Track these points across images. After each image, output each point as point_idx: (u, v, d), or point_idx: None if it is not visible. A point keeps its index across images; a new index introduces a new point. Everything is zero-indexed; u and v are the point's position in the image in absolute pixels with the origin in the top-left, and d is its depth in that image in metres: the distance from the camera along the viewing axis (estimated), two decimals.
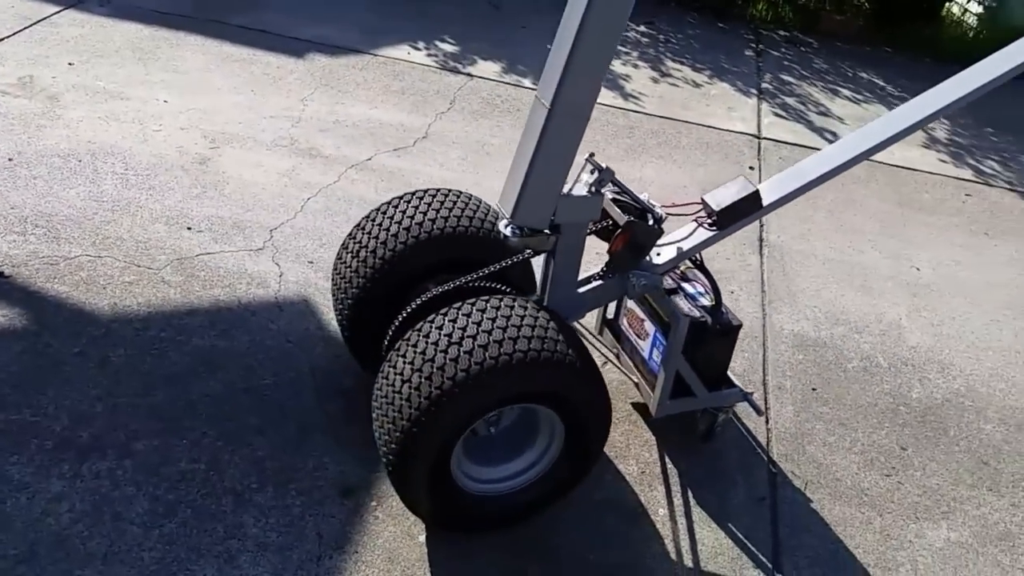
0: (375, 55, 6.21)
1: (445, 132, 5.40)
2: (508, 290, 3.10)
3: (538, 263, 3.11)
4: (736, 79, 6.72)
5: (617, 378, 3.67)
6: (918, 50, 7.70)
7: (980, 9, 8.28)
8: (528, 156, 2.75)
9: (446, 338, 2.65)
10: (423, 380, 2.61)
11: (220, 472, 3.04)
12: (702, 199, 3.21)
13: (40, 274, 3.74)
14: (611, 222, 3.08)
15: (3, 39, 5.57)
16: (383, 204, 3.27)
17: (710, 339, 3.26)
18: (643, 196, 3.14)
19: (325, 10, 6.76)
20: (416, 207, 3.18)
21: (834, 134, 6.16)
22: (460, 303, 2.77)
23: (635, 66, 6.68)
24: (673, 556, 3.06)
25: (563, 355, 2.68)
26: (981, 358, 4.26)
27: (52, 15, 5.98)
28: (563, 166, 2.81)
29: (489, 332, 2.64)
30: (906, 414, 3.85)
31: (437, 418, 2.59)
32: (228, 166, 4.71)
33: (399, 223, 3.14)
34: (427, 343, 2.67)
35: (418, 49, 6.41)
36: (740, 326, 3.32)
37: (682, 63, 6.84)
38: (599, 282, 3.15)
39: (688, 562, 3.05)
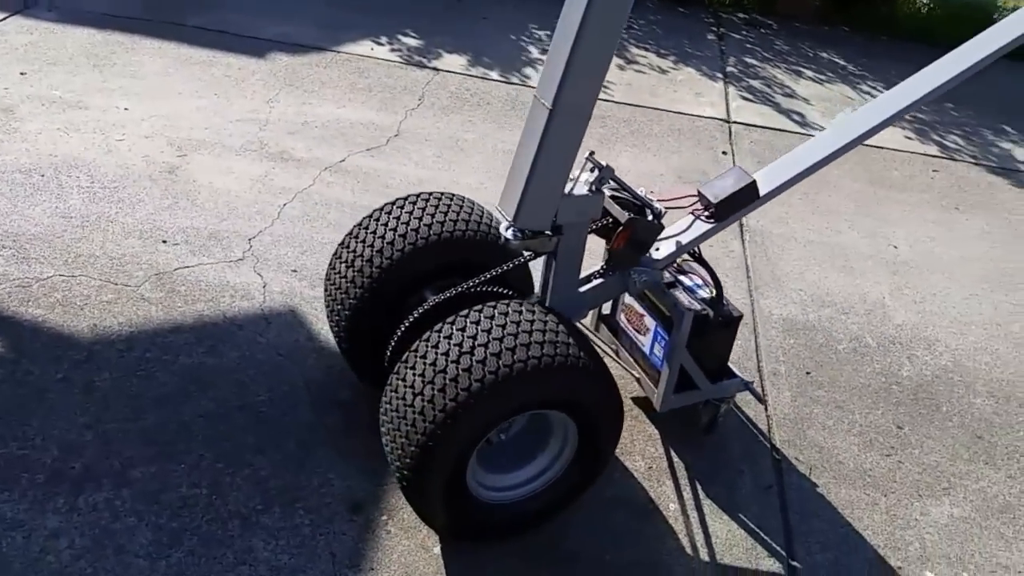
0: (338, 52, 6.08)
1: (417, 129, 5.31)
2: (510, 293, 3.05)
3: (535, 263, 3.06)
4: (701, 63, 6.72)
5: (616, 373, 3.64)
6: (874, 29, 7.78)
7: None
8: (530, 158, 2.69)
9: (457, 348, 2.59)
10: (436, 392, 2.55)
11: (223, 496, 2.95)
12: (698, 191, 3.19)
13: (12, 298, 3.59)
14: (611, 220, 3.04)
15: None
16: (375, 211, 3.18)
17: (712, 331, 3.24)
18: (640, 191, 3.11)
19: (282, 7, 6.60)
20: (410, 212, 3.10)
21: (801, 115, 6.20)
22: (467, 311, 2.70)
23: None
24: (689, 551, 3.05)
25: (576, 358, 2.64)
26: (965, 333, 4.32)
27: None
28: (565, 167, 2.76)
29: (500, 340, 2.59)
30: (899, 393, 3.89)
31: (453, 431, 2.54)
32: (198, 174, 4.57)
33: (394, 230, 3.06)
34: (437, 354, 2.61)
35: (381, 44, 6.30)
36: (741, 317, 3.31)
37: (646, 49, 6.83)
38: (600, 280, 3.11)
39: (704, 556, 3.04)
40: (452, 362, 2.57)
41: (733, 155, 5.57)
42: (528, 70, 6.22)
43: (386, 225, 3.09)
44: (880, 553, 3.14)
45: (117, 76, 5.32)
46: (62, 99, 5.01)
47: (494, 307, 2.70)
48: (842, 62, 7.19)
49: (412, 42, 6.41)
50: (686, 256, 3.36)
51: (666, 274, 3.27)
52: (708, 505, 3.22)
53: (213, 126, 4.99)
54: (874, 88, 6.81)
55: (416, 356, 2.66)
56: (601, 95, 6.05)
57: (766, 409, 3.66)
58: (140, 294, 3.72)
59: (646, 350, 3.35)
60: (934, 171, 5.81)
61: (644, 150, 5.44)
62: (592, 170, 2.90)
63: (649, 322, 3.32)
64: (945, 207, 5.41)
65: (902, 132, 6.23)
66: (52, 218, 4.07)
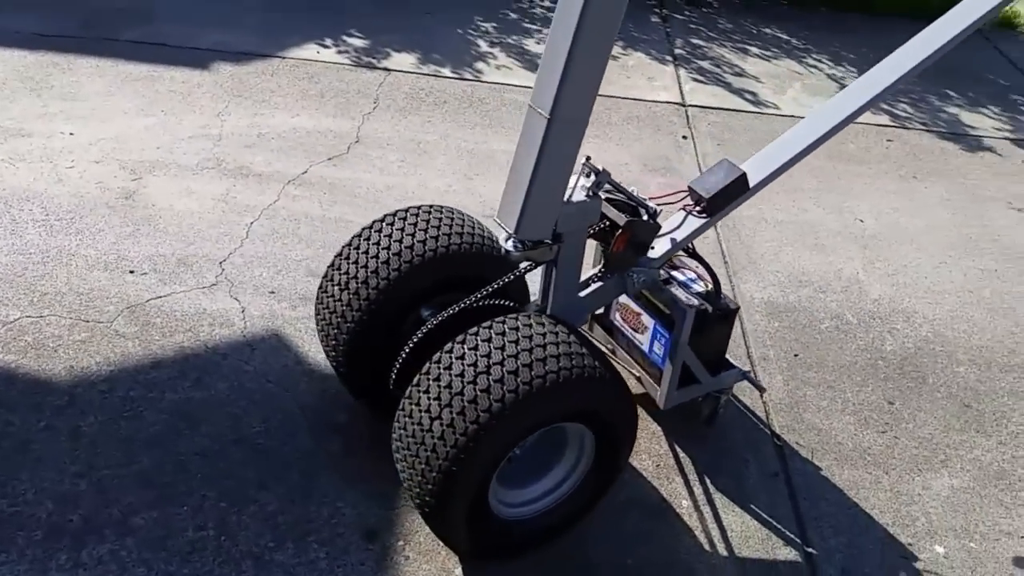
0: (283, 58, 5.91)
1: (376, 134, 5.20)
2: (513, 306, 2.99)
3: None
4: (649, 47, 6.72)
5: None
6: (812, 1, 7.88)
7: None
8: (529, 169, 2.64)
9: (472, 368, 2.53)
10: (456, 416, 2.49)
11: (231, 536, 2.84)
12: (689, 187, 3.17)
13: None
14: (608, 223, 3.00)
15: None
16: (363, 229, 3.09)
17: (711, 325, 3.24)
18: (632, 191, 3.08)
19: (218, 15, 6.39)
20: (402, 229, 3.02)
21: (754, 94, 6.24)
22: (475, 328, 2.64)
23: None
24: (707, 547, 3.05)
25: (593, 368, 2.60)
26: (939, 302, 4.41)
27: None
28: (565, 175, 2.71)
29: (516, 356, 2.53)
30: (885, 368, 3.95)
31: (476, 453, 2.48)
32: (156, 197, 4.39)
33: (387, 248, 2.98)
34: (452, 375, 2.54)
35: (327, 47, 6.14)
36: (738, 308, 3.31)
37: None
38: (599, 284, 3.08)
39: (723, 551, 3.04)
40: (469, 383, 2.51)
41: (693, 139, 5.59)
42: (480, 65, 6.13)
43: (378, 244, 3.01)
44: (890, 531, 3.19)
45: (57, 99, 5.08)
46: (1, 128, 4.76)
47: (503, 322, 2.65)
48: (785, 36, 7.27)
49: (358, 42, 6.26)
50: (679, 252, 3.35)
51: (660, 271, 3.26)
52: (719, 498, 3.23)
53: (165, 145, 4.81)
54: (819, 61, 6.90)
55: (429, 379, 2.59)
56: None
57: (761, 396, 3.68)
58: (114, 330, 3.56)
59: (645, 348, 3.34)
60: (888, 141, 5.92)
61: (606, 140, 5.41)
62: (588, 175, 2.86)
63: (647, 320, 3.30)
64: (903, 176, 5.51)
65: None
66: (9, 256, 3.87)
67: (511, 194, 2.73)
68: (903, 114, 6.22)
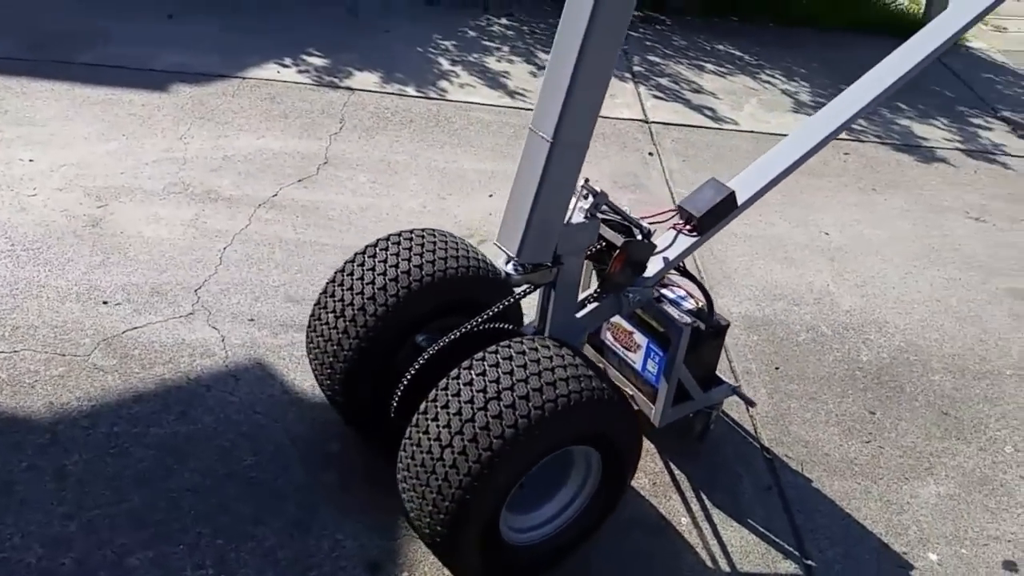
0: (243, 78, 5.81)
1: (345, 154, 5.14)
2: (513, 329, 2.98)
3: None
4: None
5: None
6: (761, 16, 8.06)
7: None
8: (531, 192, 2.63)
9: (482, 395, 2.51)
10: (468, 443, 2.46)
11: (231, 573, 2.76)
12: (679, 206, 3.20)
13: None
14: (603, 244, 3.00)
15: None
16: (356, 255, 3.04)
17: (703, 342, 3.27)
18: (627, 210, 3.09)
19: (174, 36, 6.26)
20: (396, 255, 2.98)
21: (713, 110, 6.34)
22: (481, 354, 2.62)
23: (510, 61, 6.60)
24: (709, 564, 3.06)
25: (600, 390, 2.60)
26: (909, 312, 4.52)
27: None
28: (566, 198, 2.71)
29: (525, 381, 2.52)
30: (863, 378, 4.03)
31: (490, 480, 2.45)
32: (124, 224, 4.27)
33: (383, 274, 2.94)
34: (461, 402, 2.51)
35: (286, 66, 6.06)
36: (728, 325, 3.35)
37: None
38: (595, 304, 3.08)
39: (724, 566, 3.06)
40: (479, 409, 2.49)
41: (659, 155, 5.65)
42: (443, 83, 6.12)
43: (373, 270, 2.96)
44: (884, 541, 3.24)
45: (12, 124, 4.91)
46: None
47: (509, 347, 2.63)
48: (738, 53, 7.41)
49: (318, 62, 6.19)
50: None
51: (653, 290, 3.28)
52: (717, 514, 3.25)
53: (129, 170, 4.68)
54: (773, 76, 7.04)
55: (437, 406, 2.56)
56: (520, 105, 6.07)
57: (748, 410, 3.72)
58: (92, 363, 3.44)
59: (638, 367, 3.34)
60: (845, 154, 6.06)
61: None
62: (587, 196, 2.87)
63: (640, 339, 3.31)
64: (863, 189, 5.65)
65: (807, 118, 6.46)
66: None
67: (512, 217, 2.72)
68: (858, 127, 6.38)
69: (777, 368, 4.01)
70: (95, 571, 2.69)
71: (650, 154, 5.66)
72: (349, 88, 5.89)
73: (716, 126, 6.15)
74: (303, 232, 4.42)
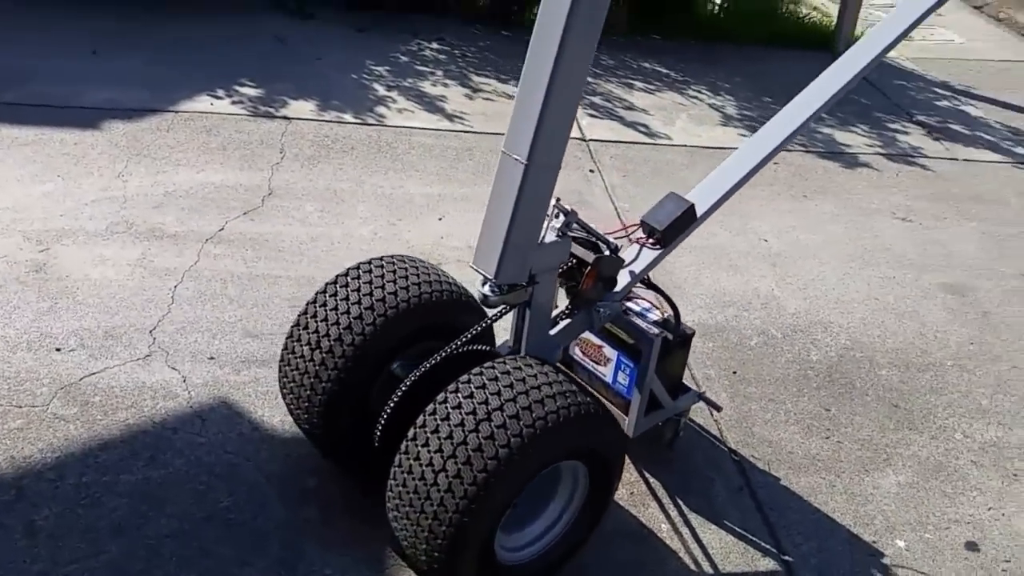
0: (176, 112, 5.71)
1: (289, 185, 5.09)
2: (490, 350, 3.00)
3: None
4: None
5: None
6: (682, 34, 8.29)
7: None
8: (507, 214, 2.68)
9: (471, 416, 2.53)
10: (462, 466, 2.47)
11: None
12: (641, 221, 3.28)
13: None
14: (574, 261, 3.06)
15: None
16: (327, 285, 3.03)
17: (672, 351, 3.35)
18: (594, 227, 3.16)
19: (100, 72, 6.10)
20: (369, 283, 2.98)
21: (646, 126, 6.49)
22: (466, 376, 2.64)
23: (445, 85, 6.64)
24: (693, 567, 3.13)
25: (587, 404, 2.65)
26: (850, 311, 4.70)
27: None
28: (540, 219, 2.77)
29: (514, 400, 2.55)
30: (815, 377, 4.18)
31: (486, 501, 2.47)
32: (69, 268, 4.15)
33: (358, 303, 2.93)
34: (451, 426, 2.53)
35: (219, 98, 5.97)
36: (694, 333, 3.44)
37: (487, 76, 6.90)
38: (567, 321, 3.13)
39: (708, 569, 3.13)
40: (471, 431, 2.51)
41: (600, 172, 5.76)
42: (381, 109, 6.11)
43: (347, 299, 2.96)
44: (853, 532, 3.37)
45: None
46: None
47: (493, 368, 2.66)
48: (664, 70, 7.60)
49: (251, 92, 6.12)
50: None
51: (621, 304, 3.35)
52: (694, 518, 3.33)
53: (68, 212, 4.55)
54: (699, 92, 7.25)
55: (427, 431, 2.57)
56: (459, 128, 6.13)
57: (712, 415, 3.82)
58: (52, 413, 3.33)
59: (608, 380, 3.40)
60: (774, 163, 6.27)
61: None
62: (558, 215, 2.92)
63: (609, 352, 3.37)
64: (795, 196, 5.86)
65: (735, 131, 6.68)
66: None
67: (488, 240, 2.76)
68: None
69: (734, 372, 4.13)
70: None
71: (591, 171, 5.77)
72: (286, 117, 5.84)
73: (651, 141, 6.30)
74: (254, 265, 4.37)
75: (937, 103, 7.77)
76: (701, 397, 3.59)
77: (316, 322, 2.96)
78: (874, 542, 3.33)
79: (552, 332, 3.09)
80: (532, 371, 2.66)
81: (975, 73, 8.51)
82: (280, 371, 3.08)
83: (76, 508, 2.98)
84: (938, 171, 6.42)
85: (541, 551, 2.87)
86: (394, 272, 3.03)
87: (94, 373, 3.56)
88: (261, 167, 5.24)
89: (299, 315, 3.04)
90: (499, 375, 2.63)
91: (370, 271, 3.03)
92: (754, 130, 6.71)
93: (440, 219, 4.97)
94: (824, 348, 4.38)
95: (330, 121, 5.88)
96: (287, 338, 3.05)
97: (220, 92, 6.06)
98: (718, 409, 3.65)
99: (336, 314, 2.94)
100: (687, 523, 3.30)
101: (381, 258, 3.11)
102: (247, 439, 3.37)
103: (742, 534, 3.29)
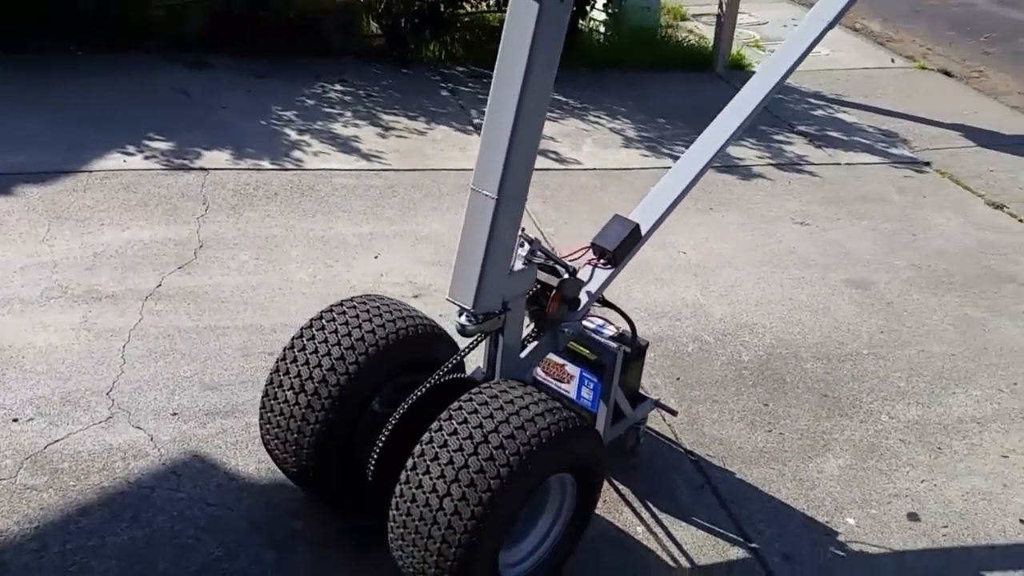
0: (90, 171, 5.61)
1: (219, 235, 5.09)
2: (468, 377, 3.15)
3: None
4: (450, 120, 7.07)
5: None
6: (572, 63, 8.64)
7: (604, 17, 9.46)
8: (481, 247, 2.84)
9: (469, 441, 2.66)
10: (466, 489, 2.60)
11: None
12: (592, 243, 3.50)
13: None
14: (538, 285, 3.23)
15: None
16: (303, 330, 3.12)
17: (630, 363, 3.57)
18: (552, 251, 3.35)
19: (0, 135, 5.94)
20: (346, 323, 3.08)
21: (556, 153, 6.76)
22: (457, 404, 2.78)
23: (356, 125, 6.74)
24: (672, 564, 3.34)
25: (572, 419, 2.83)
26: (770, 312, 5.05)
27: None
28: (511, 248, 2.94)
29: (507, 421, 2.70)
30: (749, 376, 4.48)
31: (492, 519, 2.61)
32: (10, 338, 4.05)
33: (337, 344, 3.03)
34: (451, 452, 2.66)
35: (131, 154, 5.90)
36: (648, 345, 3.68)
37: (395, 114, 7.03)
38: (535, 343, 3.31)
39: (685, 564, 3.35)
40: (471, 455, 2.64)
41: None
42: (297, 153, 6.17)
43: (326, 342, 3.05)
44: (808, 515, 3.65)
45: None
46: None
47: (481, 393, 2.81)
48: (562, 98, 7.91)
49: (162, 145, 6.06)
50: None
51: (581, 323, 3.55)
52: (665, 519, 3.54)
53: None
54: (599, 117, 7.58)
55: (427, 459, 2.69)
56: (378, 166, 6.26)
57: (664, 419, 4.05)
58: (21, 484, 3.27)
59: (572, 395, 3.59)
60: None
61: (444, 211, 5.66)
62: (523, 244, 3.10)
63: (572, 370, 3.56)
64: (702, 209, 6.22)
65: (638, 152, 7.03)
66: None
67: (463, 272, 2.91)
68: (680, 155, 6.98)
69: (678, 378, 4.39)
70: None
71: None
72: (203, 168, 5.83)
73: (563, 167, 6.57)
74: (199, 319, 4.36)
75: (813, 112, 8.36)
76: (657, 404, 3.83)
77: (297, 366, 3.04)
78: (827, 522, 3.62)
79: (522, 355, 3.26)
80: (518, 393, 2.82)
81: (844, 82, 9.19)
82: (262, 418, 3.13)
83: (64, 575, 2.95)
84: (825, 176, 6.93)
85: (537, 563, 3.01)
86: (367, 311, 3.14)
87: (58, 440, 3.51)
88: (187, 220, 5.22)
89: (277, 361, 3.11)
90: (488, 400, 2.78)
91: (343, 312, 3.13)
92: (654, 150, 7.13)
93: (376, 257, 5.07)
94: (753, 348, 4.70)
95: (248, 169, 5.90)
96: (267, 385, 3.10)
97: (131, 148, 5.98)
98: (673, 413, 3.90)
99: (317, 356, 3.02)
100: (659, 523, 3.51)
101: (352, 299, 3.22)
102: (226, 489, 3.39)
103: (710, 528, 3.52)
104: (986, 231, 6.27)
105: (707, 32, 9.86)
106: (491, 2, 8.97)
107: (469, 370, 3.37)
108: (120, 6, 7.62)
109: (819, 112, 8.38)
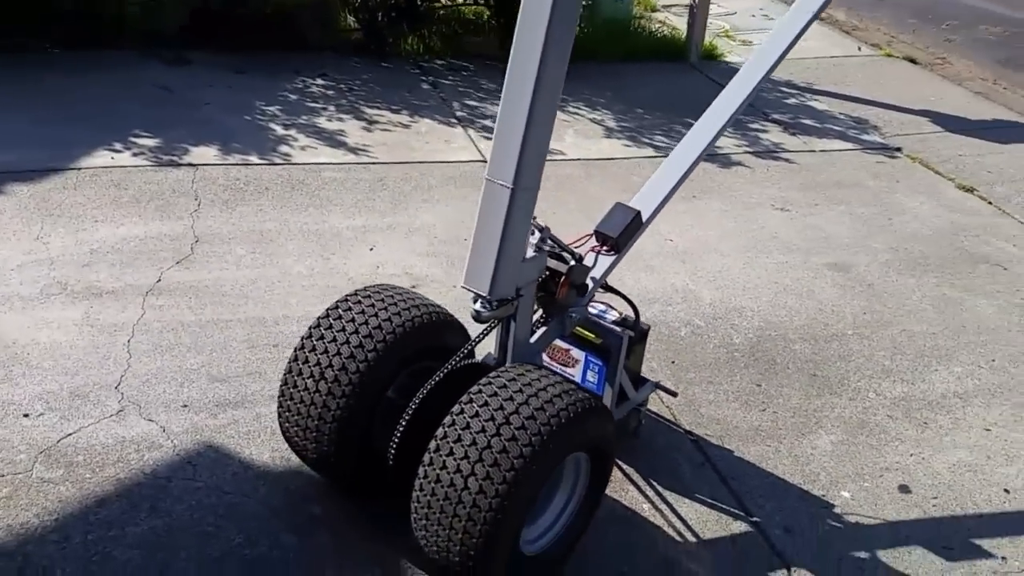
0: (79, 169, 5.60)
1: (213, 230, 5.12)
2: (481, 362, 3.24)
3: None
4: (433, 112, 7.13)
5: None
6: None
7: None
8: (496, 236, 2.93)
9: (491, 422, 2.76)
10: (490, 468, 2.70)
11: None
12: (595, 231, 3.60)
13: None
14: (547, 272, 3.33)
15: None
16: (319, 320, 3.19)
17: (633, 346, 3.68)
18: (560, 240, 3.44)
19: None
20: (363, 312, 3.15)
21: None
22: (476, 387, 2.87)
23: (340, 119, 6.78)
24: (678, 539, 3.46)
25: (587, 399, 2.93)
26: (758, 296, 5.20)
27: None
28: (525, 236, 3.03)
29: (526, 403, 2.80)
30: (741, 358, 4.62)
31: (516, 497, 2.71)
32: (14, 335, 4.06)
33: (355, 332, 3.10)
34: (473, 433, 2.75)
35: (118, 151, 5.89)
36: (650, 328, 3.79)
37: (378, 108, 7.08)
38: (544, 329, 3.41)
39: (691, 539, 3.47)
40: (493, 435, 2.74)
41: None
42: (284, 148, 6.19)
43: (344, 331, 3.12)
44: (804, 489, 3.79)
45: None
46: None
47: (499, 376, 2.90)
48: None
49: (149, 142, 6.06)
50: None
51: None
52: (670, 496, 3.66)
53: None
54: (579, 108, 7.69)
55: (450, 441, 2.78)
56: (366, 159, 6.30)
57: (663, 401, 4.17)
58: (38, 477, 3.31)
59: (578, 379, 3.69)
60: None
61: (435, 203, 5.73)
62: (533, 232, 3.19)
63: (577, 354, 3.66)
64: (685, 198, 6.33)
65: (620, 142, 7.15)
66: None
67: (479, 260, 3.00)
68: (662, 144, 7.14)
69: (673, 362, 4.51)
70: None
71: None
72: (191, 164, 5.84)
73: (548, 158, 6.62)
74: (201, 312, 4.40)
75: (786, 101, 8.53)
76: (658, 386, 3.94)
77: (316, 355, 3.11)
78: (823, 495, 3.77)
79: (532, 340, 3.35)
80: (534, 376, 2.92)
81: (813, 70, 9.37)
82: (281, 407, 3.20)
83: (89, 566, 2.99)
84: (801, 163, 7.10)
85: (553, 539, 3.12)
86: (383, 300, 3.21)
87: (70, 434, 3.54)
88: (180, 215, 5.24)
89: (295, 351, 3.17)
90: (507, 383, 2.87)
91: (359, 301, 3.21)
92: (635, 140, 7.25)
93: (371, 249, 5.13)
94: (743, 331, 4.84)
95: (237, 164, 5.92)
96: (286, 374, 3.17)
97: (118, 145, 5.97)
98: (673, 395, 4.02)
99: (336, 345, 3.09)
100: (665, 501, 3.63)
101: (366, 288, 3.29)
102: (242, 478, 3.45)
103: (713, 504, 3.65)
104: (958, 214, 6.47)
105: (678, 23, 10.00)
106: None
107: (478, 357, 3.47)
108: (96, 3, 7.59)
109: (792, 100, 8.55)
